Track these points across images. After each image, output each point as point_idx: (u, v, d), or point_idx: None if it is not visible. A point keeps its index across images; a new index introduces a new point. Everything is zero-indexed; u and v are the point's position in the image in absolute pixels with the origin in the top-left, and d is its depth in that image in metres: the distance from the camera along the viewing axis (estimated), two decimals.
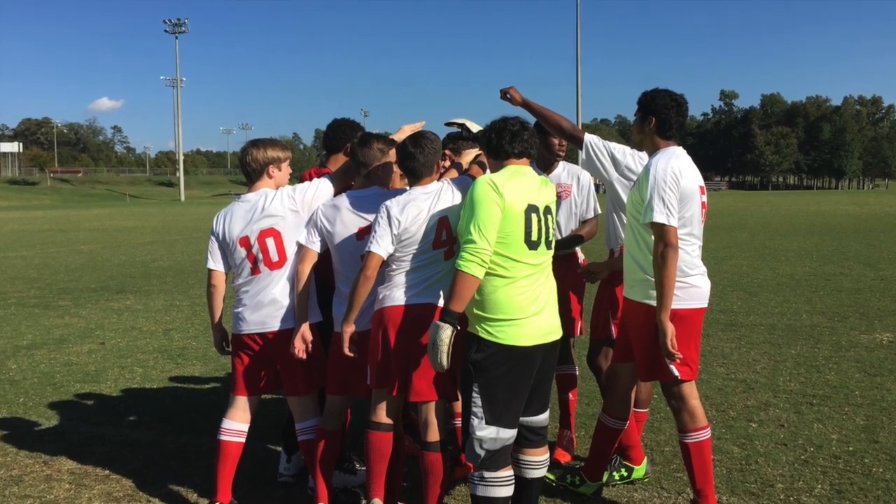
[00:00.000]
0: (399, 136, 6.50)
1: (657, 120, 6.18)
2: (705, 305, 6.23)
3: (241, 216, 6.39)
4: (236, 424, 6.50)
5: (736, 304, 16.17)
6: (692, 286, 6.10)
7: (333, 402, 6.41)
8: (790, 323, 14.17)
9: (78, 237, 41.70)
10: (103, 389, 10.54)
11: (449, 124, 7.26)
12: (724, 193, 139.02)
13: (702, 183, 6.21)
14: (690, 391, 6.16)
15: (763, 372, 10.73)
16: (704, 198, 6.24)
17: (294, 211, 6.33)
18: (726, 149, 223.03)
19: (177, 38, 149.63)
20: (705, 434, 6.15)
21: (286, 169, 6.57)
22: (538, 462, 5.92)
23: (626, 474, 7.00)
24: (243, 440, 6.52)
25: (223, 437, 6.46)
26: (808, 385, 10.06)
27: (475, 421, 5.53)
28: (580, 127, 7.27)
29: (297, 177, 7.27)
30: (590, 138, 6.89)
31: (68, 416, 9.34)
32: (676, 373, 6.05)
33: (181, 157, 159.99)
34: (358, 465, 7.23)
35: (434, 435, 5.93)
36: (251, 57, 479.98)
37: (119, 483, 7.23)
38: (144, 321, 15.69)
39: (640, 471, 7.05)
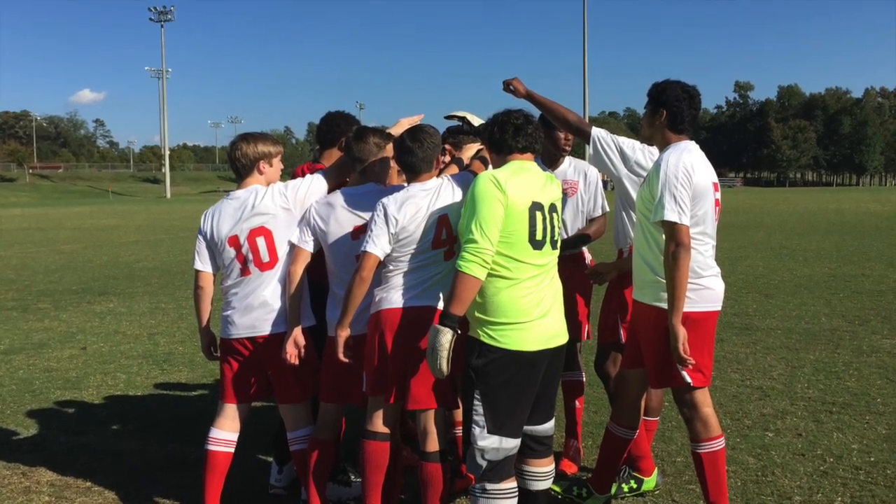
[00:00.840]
0: (396, 130, 6.50)
1: (668, 113, 6.17)
2: (719, 308, 6.22)
3: (229, 214, 6.39)
4: (225, 433, 6.50)
5: (751, 307, 16.19)
6: (705, 288, 6.08)
7: (327, 410, 6.42)
8: (808, 327, 14.17)
9: (58, 236, 41.64)
10: (85, 397, 10.54)
11: (449, 117, 7.27)
12: (739, 190, 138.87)
13: (715, 179, 6.21)
14: (703, 399, 6.14)
15: (780, 378, 10.74)
16: (718, 195, 6.23)
17: (286, 209, 6.33)
18: (741, 143, 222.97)
19: (162, 26, 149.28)
20: (719, 444, 6.14)
21: (277, 165, 6.55)
22: (543, 473, 5.93)
23: (635, 486, 7.00)
24: (232, 450, 6.52)
25: (211, 447, 6.46)
26: (827, 392, 10.05)
27: (477, 430, 5.54)
28: (587, 120, 7.25)
29: (290, 173, 7.30)
30: (597, 132, 6.90)
31: (48, 424, 9.35)
32: (689, 379, 6.02)
33: (167, 152, 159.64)
34: (353, 477, 7.23)
35: (433, 445, 5.94)
36: (241, 46, 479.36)
37: (101, 495, 7.22)
38: (128, 325, 15.69)
39: (650, 482, 7.04)
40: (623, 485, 6.97)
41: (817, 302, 16.71)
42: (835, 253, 26.18)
